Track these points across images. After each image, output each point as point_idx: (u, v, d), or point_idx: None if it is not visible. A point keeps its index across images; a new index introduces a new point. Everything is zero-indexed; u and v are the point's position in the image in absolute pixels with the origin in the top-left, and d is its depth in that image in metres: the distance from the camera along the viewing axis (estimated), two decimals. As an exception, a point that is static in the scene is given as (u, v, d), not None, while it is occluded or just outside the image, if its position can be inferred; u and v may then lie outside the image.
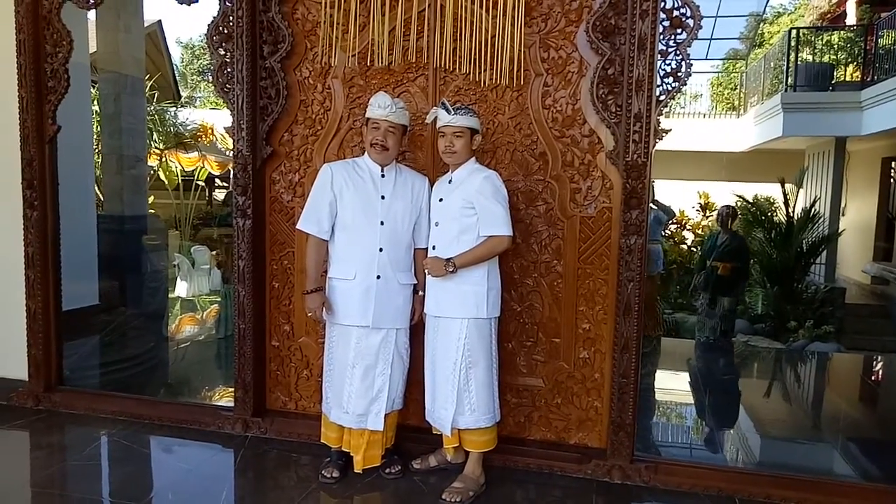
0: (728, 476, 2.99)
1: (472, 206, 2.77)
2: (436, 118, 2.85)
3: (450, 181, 2.90)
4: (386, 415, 2.94)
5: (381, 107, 2.83)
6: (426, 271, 2.88)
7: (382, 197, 2.90)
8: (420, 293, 3.01)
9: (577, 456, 3.08)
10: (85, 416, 3.63)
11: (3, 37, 3.57)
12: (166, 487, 2.94)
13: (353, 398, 2.92)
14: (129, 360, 4.75)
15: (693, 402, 5.02)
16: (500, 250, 2.81)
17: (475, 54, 3.01)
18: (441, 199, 2.90)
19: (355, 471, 2.97)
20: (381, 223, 2.88)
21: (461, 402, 2.82)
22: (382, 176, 2.93)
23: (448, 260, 2.76)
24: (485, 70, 3.02)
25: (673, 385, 5.47)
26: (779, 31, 14.14)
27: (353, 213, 2.90)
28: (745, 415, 4.72)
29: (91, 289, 4.78)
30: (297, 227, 2.99)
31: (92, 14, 5.54)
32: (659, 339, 6.57)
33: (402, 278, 2.94)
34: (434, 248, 2.88)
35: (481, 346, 2.83)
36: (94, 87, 5.85)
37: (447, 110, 2.78)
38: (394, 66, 3.16)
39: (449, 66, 3.08)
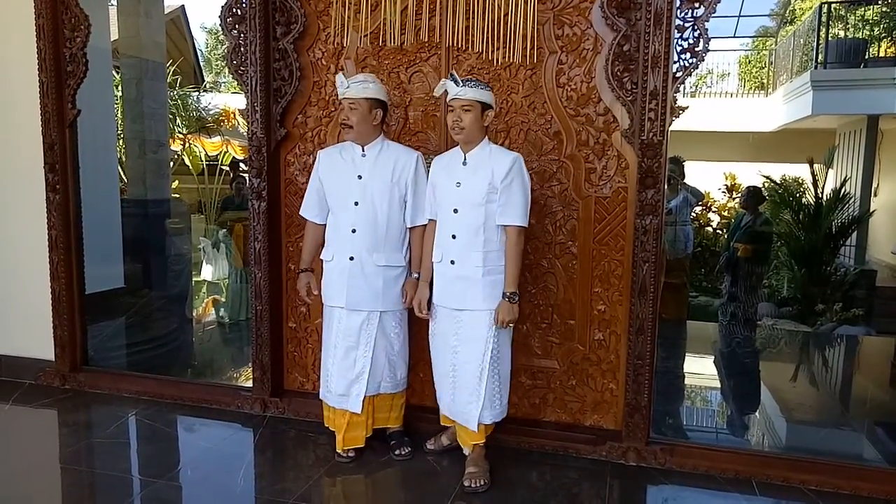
0: (745, 459, 2.95)
1: (496, 192, 2.65)
2: (445, 92, 2.74)
3: (464, 163, 2.75)
4: (372, 397, 2.95)
5: (338, 87, 2.81)
6: (504, 322, 2.68)
7: (359, 177, 2.87)
8: (415, 276, 2.94)
9: (593, 438, 3.07)
10: (109, 396, 3.72)
11: (22, 22, 3.61)
12: (187, 465, 3.01)
13: (334, 377, 2.94)
14: (152, 341, 4.84)
15: (714, 385, 4.97)
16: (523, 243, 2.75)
17: (488, 32, 2.97)
18: (459, 184, 2.73)
19: (338, 450, 2.99)
20: (356, 203, 2.86)
21: (491, 397, 2.73)
22: (363, 155, 2.90)
23: (508, 299, 2.67)
24: (498, 48, 2.98)
25: (695, 368, 5.41)
26: (811, 7, 13.69)
27: (333, 196, 2.92)
28: (769, 398, 4.65)
29: (116, 272, 4.86)
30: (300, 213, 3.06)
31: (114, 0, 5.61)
32: (684, 323, 6.48)
33: (379, 260, 2.88)
34: (454, 237, 2.73)
35: (507, 336, 2.80)
36: (116, 72, 5.91)
37: (456, 82, 2.65)
38: (406, 46, 3.14)
39: (462, 45, 3.05)
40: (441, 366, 2.86)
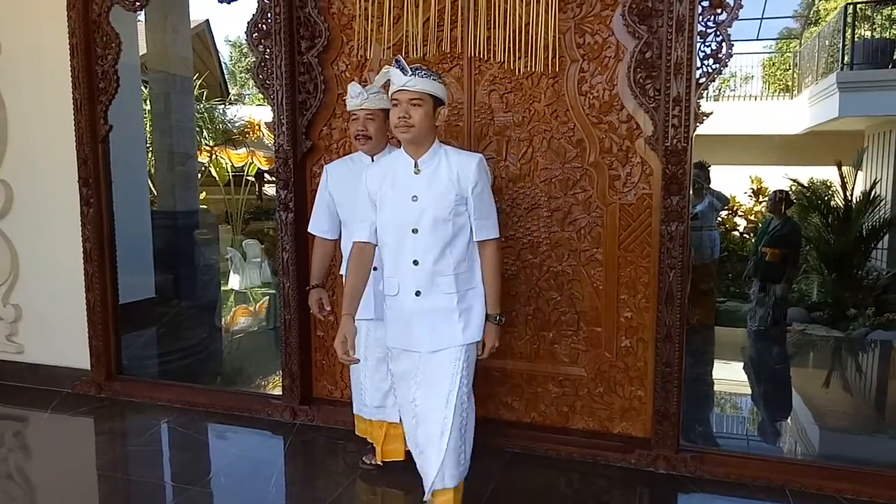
0: (778, 467, 2.92)
1: (464, 203, 2.28)
2: (387, 82, 2.29)
3: (416, 171, 2.30)
4: None
5: (352, 97, 2.76)
6: (492, 348, 2.36)
7: None
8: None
9: (622, 445, 3.06)
10: (143, 404, 3.79)
11: (57, 41, 3.72)
12: (220, 472, 3.07)
13: (368, 390, 2.93)
14: (183, 350, 4.94)
15: (744, 391, 4.91)
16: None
17: (510, 42, 3.00)
18: (416, 198, 2.26)
19: (366, 460, 2.99)
20: None
21: (455, 452, 2.27)
22: None
23: (497, 322, 2.36)
24: (520, 58, 3.00)
25: (725, 375, 5.35)
26: (836, 8, 13.49)
27: (345, 209, 2.87)
28: (801, 405, 4.58)
29: (147, 282, 4.97)
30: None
31: (141, 16, 5.75)
32: (712, 329, 6.42)
33: None
34: (416, 262, 2.27)
35: (472, 375, 2.36)
36: (144, 86, 6.05)
37: (403, 70, 2.19)
38: (429, 57, 3.17)
39: (484, 56, 3.07)
40: (408, 411, 2.41)
